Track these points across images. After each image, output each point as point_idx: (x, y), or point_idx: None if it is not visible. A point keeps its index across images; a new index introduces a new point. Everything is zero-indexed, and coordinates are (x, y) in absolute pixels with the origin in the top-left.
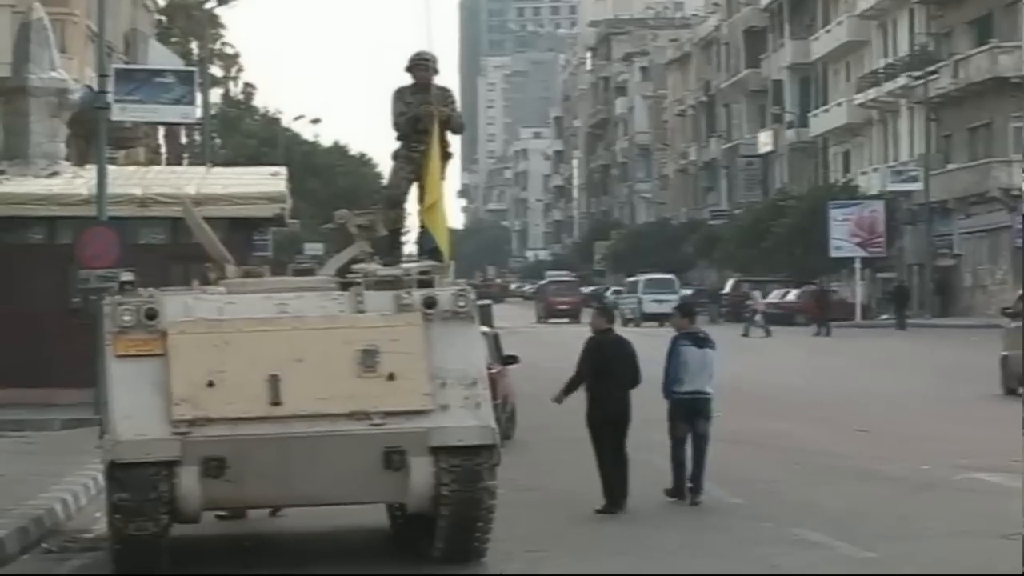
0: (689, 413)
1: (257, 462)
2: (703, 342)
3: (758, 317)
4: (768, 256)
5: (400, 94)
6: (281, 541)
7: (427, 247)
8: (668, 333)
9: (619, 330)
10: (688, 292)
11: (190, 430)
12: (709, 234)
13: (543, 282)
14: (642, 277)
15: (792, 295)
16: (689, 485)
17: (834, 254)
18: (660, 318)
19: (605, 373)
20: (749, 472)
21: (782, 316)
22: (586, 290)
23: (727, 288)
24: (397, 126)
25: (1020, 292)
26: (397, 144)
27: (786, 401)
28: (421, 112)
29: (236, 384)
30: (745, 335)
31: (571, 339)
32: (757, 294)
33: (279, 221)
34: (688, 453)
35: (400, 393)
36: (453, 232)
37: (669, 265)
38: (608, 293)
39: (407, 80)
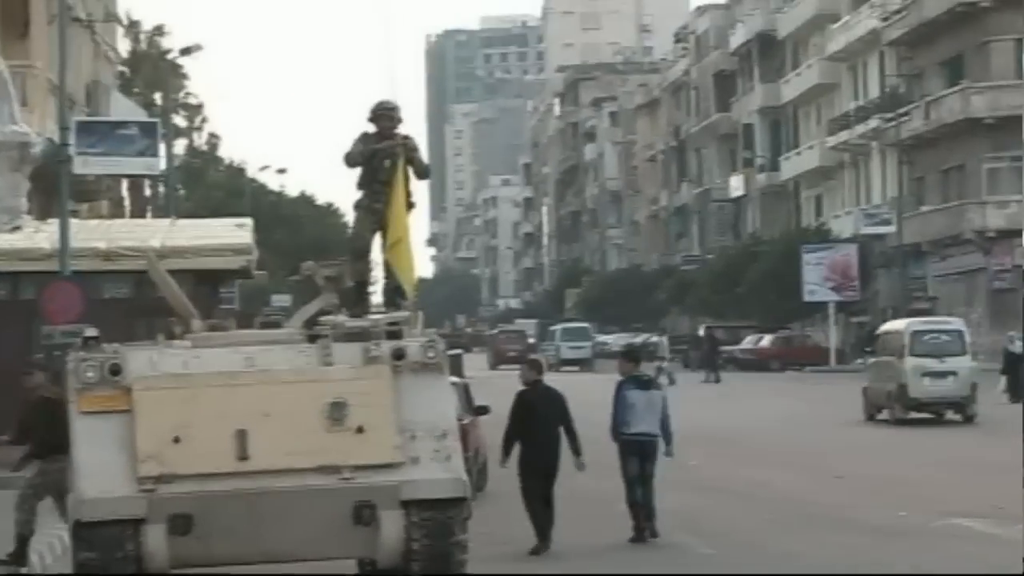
0: (636, 454)
1: (225, 518)
2: (648, 385)
3: (665, 364)
4: (742, 301)
5: (364, 139)
6: None
7: (389, 287)
8: (584, 378)
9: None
10: (608, 339)
11: (156, 487)
12: (682, 280)
13: (494, 331)
14: (560, 326)
15: (765, 341)
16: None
17: (808, 298)
18: (577, 363)
19: (535, 425)
20: (722, 521)
21: (755, 363)
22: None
23: (700, 334)
24: (349, 156)
25: (878, 331)
26: (359, 194)
27: (757, 447)
28: (384, 146)
29: (203, 439)
30: None
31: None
32: (663, 340)
33: (245, 273)
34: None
35: (369, 446)
36: (422, 281)
37: (641, 312)
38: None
39: (372, 129)
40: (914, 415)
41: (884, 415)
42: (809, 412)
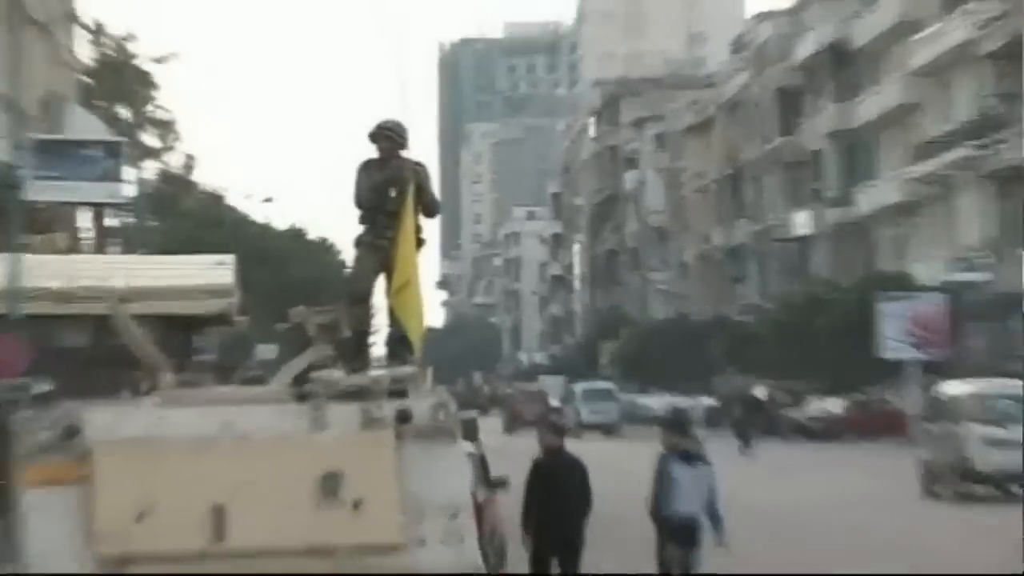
0: (678, 539)
1: None
2: (695, 459)
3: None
4: (808, 359)
5: (367, 168)
6: None
7: (394, 336)
8: (608, 447)
9: None
10: (650, 401)
11: (117, 570)
12: (738, 333)
13: (509, 391)
14: (580, 386)
15: (836, 406)
16: None
17: (886, 356)
18: (601, 428)
19: (554, 498)
20: None
21: (825, 431)
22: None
23: (762, 397)
24: (359, 200)
25: (935, 395)
26: (361, 228)
27: (817, 531)
28: (391, 171)
29: (172, 515)
30: None
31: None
32: (696, 401)
33: (225, 319)
34: None
35: (368, 525)
36: (431, 331)
37: (691, 370)
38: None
39: (374, 152)
40: (975, 489)
41: (940, 487)
42: (871, 488)
